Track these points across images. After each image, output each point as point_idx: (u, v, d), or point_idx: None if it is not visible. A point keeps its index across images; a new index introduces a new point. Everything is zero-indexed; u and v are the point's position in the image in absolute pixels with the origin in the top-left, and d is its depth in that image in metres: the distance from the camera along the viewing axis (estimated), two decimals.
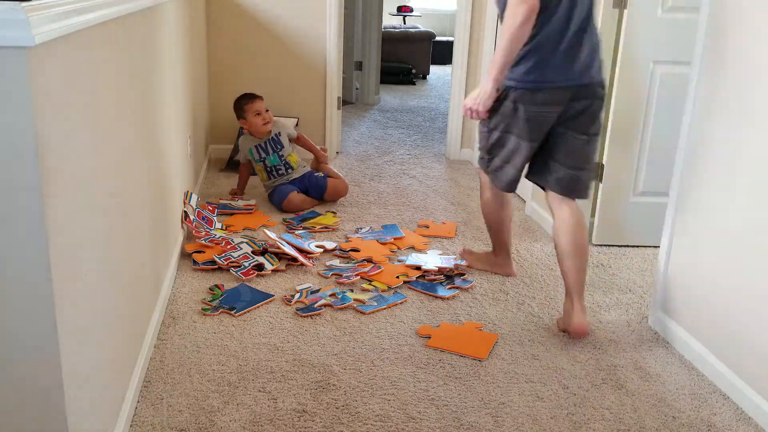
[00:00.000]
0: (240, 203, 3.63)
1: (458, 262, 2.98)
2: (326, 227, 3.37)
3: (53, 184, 1.27)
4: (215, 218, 3.28)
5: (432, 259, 3.01)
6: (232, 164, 4.24)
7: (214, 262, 2.86)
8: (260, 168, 3.71)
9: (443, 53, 8.42)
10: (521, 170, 2.51)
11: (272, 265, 2.87)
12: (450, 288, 2.77)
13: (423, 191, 4.03)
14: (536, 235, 3.45)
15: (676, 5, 2.98)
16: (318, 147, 3.95)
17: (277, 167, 3.69)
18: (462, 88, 4.70)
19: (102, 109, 1.68)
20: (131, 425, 1.88)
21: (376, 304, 2.62)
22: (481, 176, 2.74)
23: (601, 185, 3.24)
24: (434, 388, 2.12)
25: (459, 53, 4.68)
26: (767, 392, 2.02)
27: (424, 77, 8.31)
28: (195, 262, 2.86)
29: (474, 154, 4.26)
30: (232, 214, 3.47)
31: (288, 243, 3.02)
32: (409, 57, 8.05)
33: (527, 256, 3.17)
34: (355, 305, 2.59)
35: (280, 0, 4.36)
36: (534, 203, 3.70)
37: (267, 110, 3.71)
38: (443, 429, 1.94)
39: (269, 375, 2.15)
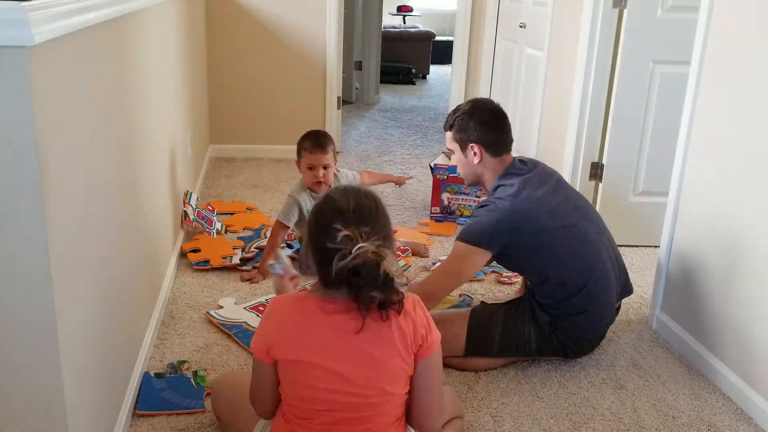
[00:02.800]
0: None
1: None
2: None
3: (53, 184, 1.27)
4: (215, 218, 3.28)
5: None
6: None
7: (208, 261, 2.86)
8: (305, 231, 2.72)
9: (443, 53, 8.42)
10: None
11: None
12: None
13: (423, 191, 4.03)
14: None
15: (676, 5, 2.98)
16: (396, 176, 3.41)
17: None
18: (462, 88, 4.70)
19: (101, 109, 1.68)
20: (131, 425, 1.88)
21: None
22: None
23: (601, 185, 3.25)
24: None
25: (459, 53, 4.68)
26: (767, 392, 2.02)
27: (424, 77, 8.31)
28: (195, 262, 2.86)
29: None
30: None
31: None
32: (409, 57, 8.04)
33: None
34: None
35: (280, 0, 4.36)
36: None
37: (327, 166, 2.78)
38: None
39: None
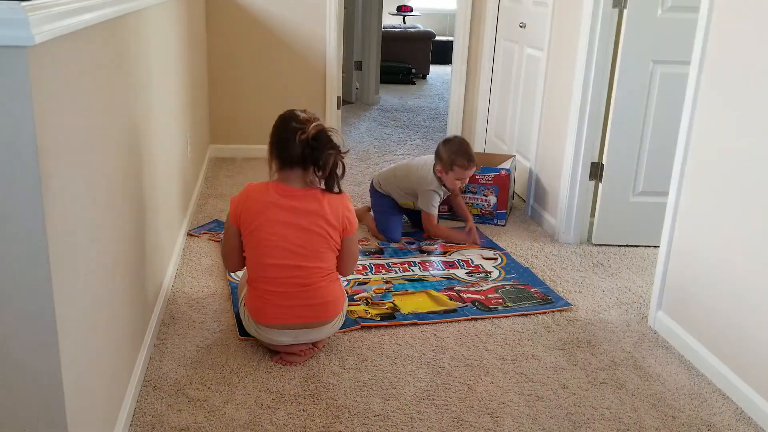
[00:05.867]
0: None
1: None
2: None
3: (53, 184, 1.27)
4: None
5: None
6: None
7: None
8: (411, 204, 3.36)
9: (443, 53, 8.43)
10: None
11: None
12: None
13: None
14: (535, 234, 3.45)
15: (676, 5, 2.98)
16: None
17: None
18: (462, 88, 4.70)
19: (101, 109, 1.68)
20: (131, 425, 1.88)
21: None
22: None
23: (601, 185, 3.24)
24: (434, 388, 2.12)
25: (459, 53, 4.67)
26: (767, 392, 2.02)
27: (424, 77, 8.31)
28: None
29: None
30: None
31: None
32: (409, 57, 8.04)
33: (526, 254, 3.17)
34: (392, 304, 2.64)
35: (280, 0, 4.36)
36: (535, 203, 3.70)
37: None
38: (443, 429, 1.94)
39: (269, 374, 2.15)
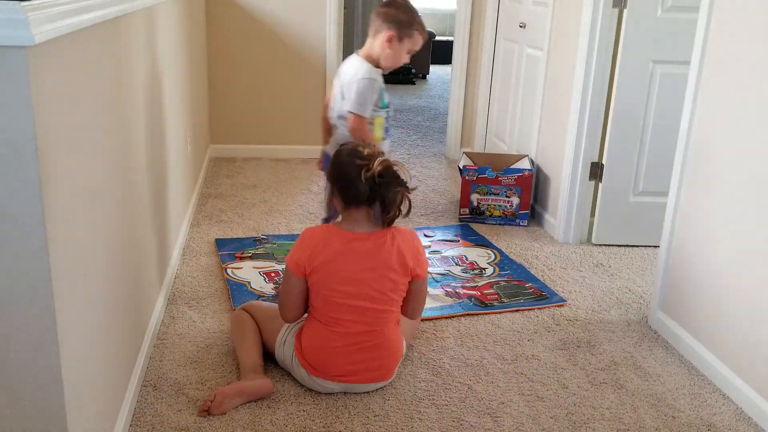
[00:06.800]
0: None
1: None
2: None
3: (53, 184, 1.27)
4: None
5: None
6: None
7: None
8: (380, 121, 2.50)
9: (443, 53, 8.42)
10: None
11: None
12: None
13: (423, 191, 4.03)
14: (535, 234, 3.46)
15: (676, 5, 2.98)
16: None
17: (387, 125, 2.56)
18: (462, 88, 4.70)
19: (101, 109, 1.68)
20: (131, 425, 1.88)
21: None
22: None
23: (601, 185, 3.24)
24: (434, 388, 2.12)
25: (459, 53, 4.67)
26: (767, 392, 2.02)
27: (424, 77, 8.30)
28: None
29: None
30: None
31: None
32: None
33: (526, 254, 3.17)
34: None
35: (280, 0, 4.36)
36: (535, 203, 3.70)
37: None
38: (443, 429, 1.94)
39: (268, 374, 2.14)
